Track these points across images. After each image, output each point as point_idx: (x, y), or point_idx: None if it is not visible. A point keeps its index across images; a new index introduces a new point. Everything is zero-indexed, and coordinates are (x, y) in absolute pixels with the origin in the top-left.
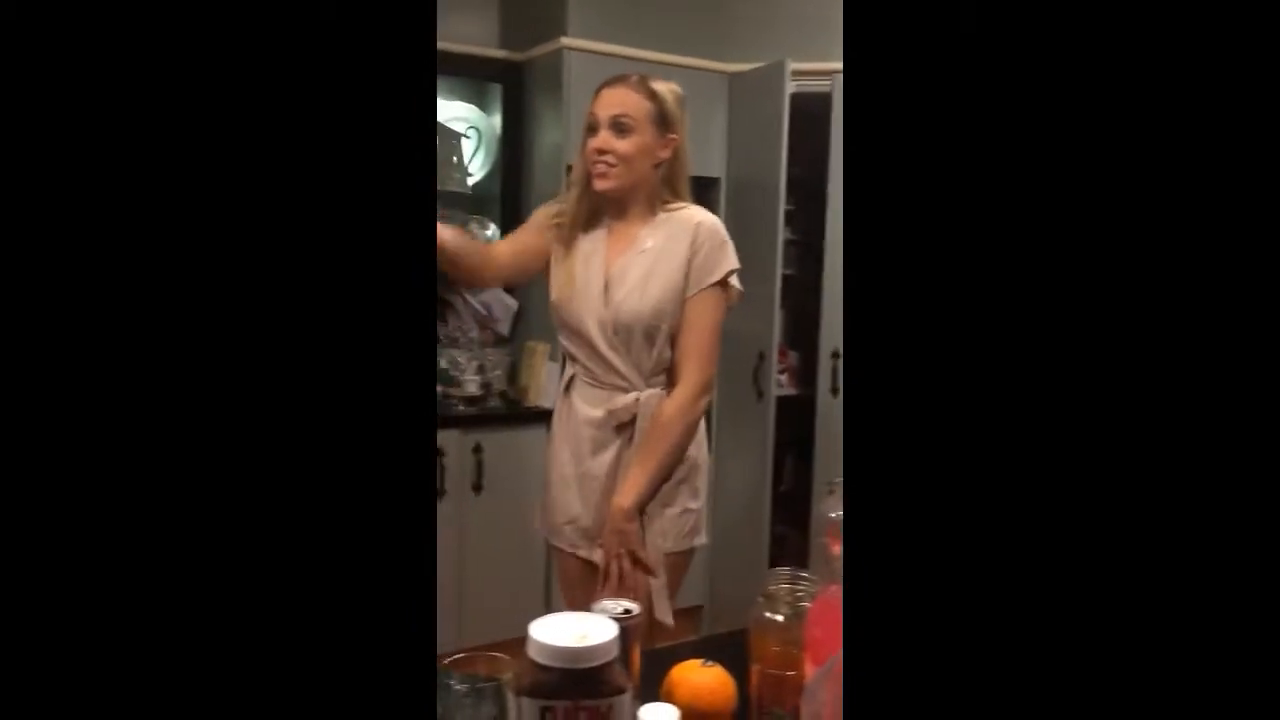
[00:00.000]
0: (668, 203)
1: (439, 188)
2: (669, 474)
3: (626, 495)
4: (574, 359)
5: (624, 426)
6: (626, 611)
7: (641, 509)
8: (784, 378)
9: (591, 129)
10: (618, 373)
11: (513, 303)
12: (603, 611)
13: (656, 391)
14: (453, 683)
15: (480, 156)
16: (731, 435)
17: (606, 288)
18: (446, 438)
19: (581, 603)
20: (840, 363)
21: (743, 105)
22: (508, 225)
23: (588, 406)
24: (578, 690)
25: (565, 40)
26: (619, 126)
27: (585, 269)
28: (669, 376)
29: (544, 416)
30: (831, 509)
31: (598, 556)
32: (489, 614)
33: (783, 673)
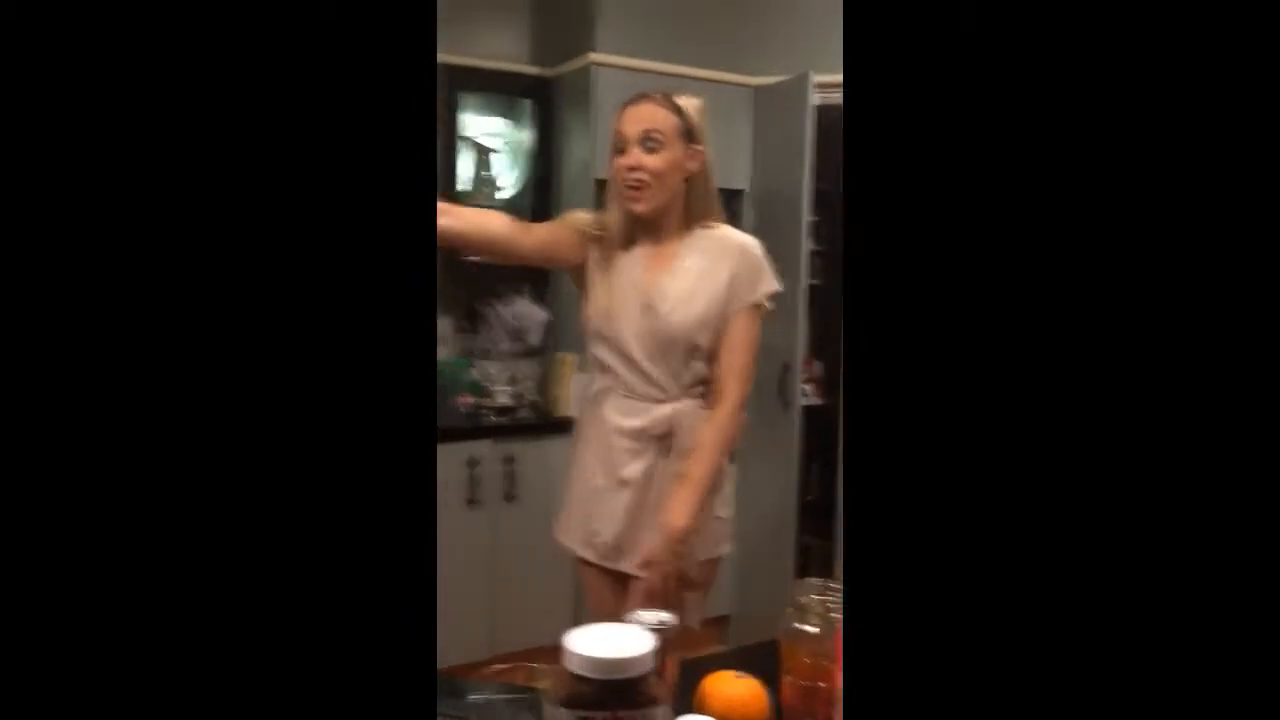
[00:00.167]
0: (701, 219)
1: (471, 202)
2: (711, 488)
3: (679, 515)
4: (608, 371)
5: (658, 438)
6: (661, 622)
7: (694, 528)
8: (809, 388)
9: (619, 148)
10: (656, 385)
11: (544, 314)
12: (638, 622)
13: (691, 403)
14: (490, 693)
15: (511, 170)
16: (757, 445)
17: (649, 303)
18: (479, 448)
19: (609, 614)
20: None
21: (767, 118)
22: None
23: (622, 417)
24: (615, 701)
25: (594, 56)
26: (648, 143)
27: (626, 283)
28: (704, 389)
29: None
30: None
31: (625, 567)
32: (521, 622)
33: (814, 684)
